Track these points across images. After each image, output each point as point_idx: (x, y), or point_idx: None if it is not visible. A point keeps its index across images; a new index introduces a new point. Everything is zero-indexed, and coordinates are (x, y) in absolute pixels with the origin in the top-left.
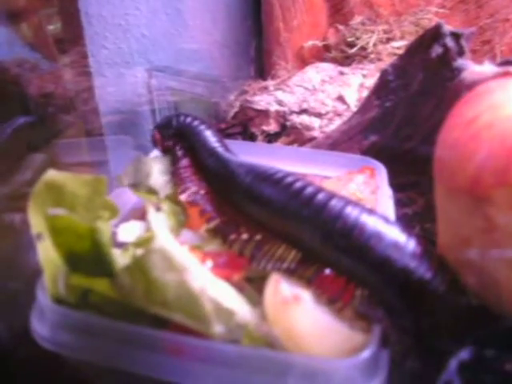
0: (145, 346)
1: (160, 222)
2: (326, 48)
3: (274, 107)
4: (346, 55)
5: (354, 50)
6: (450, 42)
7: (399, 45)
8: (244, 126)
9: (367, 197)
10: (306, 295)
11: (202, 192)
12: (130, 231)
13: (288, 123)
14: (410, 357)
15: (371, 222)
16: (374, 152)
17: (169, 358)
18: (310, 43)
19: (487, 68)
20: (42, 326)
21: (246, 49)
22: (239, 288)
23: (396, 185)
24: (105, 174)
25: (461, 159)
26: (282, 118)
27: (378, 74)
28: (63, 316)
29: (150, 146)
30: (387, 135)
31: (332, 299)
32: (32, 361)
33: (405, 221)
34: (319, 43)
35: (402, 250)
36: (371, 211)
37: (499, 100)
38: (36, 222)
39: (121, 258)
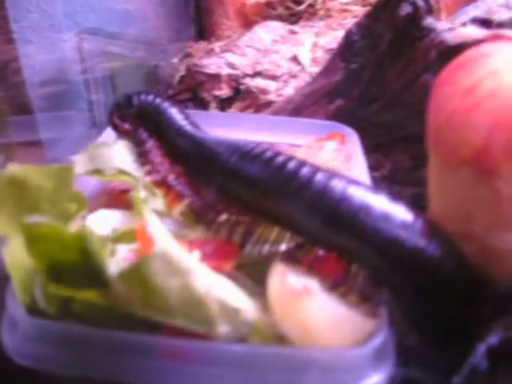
0: (141, 353)
1: (156, 221)
2: (269, 5)
3: (225, 70)
4: (292, 12)
5: (302, 7)
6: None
7: (348, 0)
8: (193, 91)
9: (340, 166)
10: (314, 285)
11: (173, 174)
12: (101, 222)
13: (242, 87)
14: (417, 338)
15: (378, 203)
16: (341, 116)
17: (169, 363)
18: (252, 0)
19: (472, 31)
20: (15, 339)
21: (185, 8)
22: (232, 278)
23: (362, 148)
24: (54, 154)
25: (462, 131)
26: (234, 81)
27: (330, 32)
28: (42, 328)
29: (88, 119)
30: (353, 98)
31: (335, 284)
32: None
33: (374, 185)
34: (262, 0)
35: (392, 219)
36: (357, 182)
37: (498, 66)
38: None
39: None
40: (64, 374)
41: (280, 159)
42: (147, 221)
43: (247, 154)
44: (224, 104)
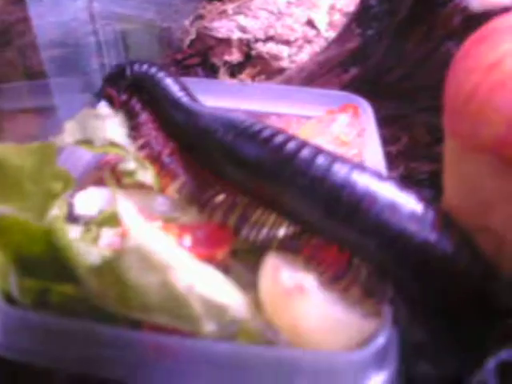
0: (121, 348)
1: (130, 207)
2: None
3: (236, 34)
4: None
5: None
6: None
7: None
8: (203, 55)
9: (353, 140)
10: (309, 281)
11: (167, 150)
12: (88, 201)
13: (253, 52)
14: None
15: (384, 191)
16: (356, 86)
17: (150, 359)
18: None
19: None
20: None
21: None
22: (225, 267)
23: (378, 120)
24: (52, 121)
25: (484, 112)
26: (245, 46)
27: None
28: (19, 319)
29: (98, 84)
30: (370, 67)
31: (336, 277)
32: None
33: (389, 160)
34: None
35: (400, 210)
36: (382, 176)
37: None
38: None
39: (82, 239)
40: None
41: (279, 139)
42: (120, 208)
43: (244, 131)
44: (234, 70)
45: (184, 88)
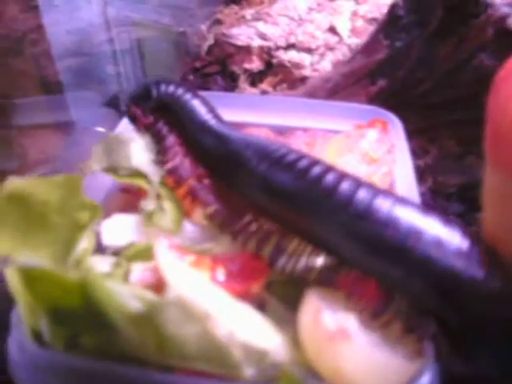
0: None
1: (168, 254)
2: None
3: (256, 42)
4: None
5: None
6: None
7: None
8: (222, 63)
9: (382, 157)
10: (351, 323)
11: (196, 175)
12: (115, 230)
13: (274, 60)
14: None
15: (428, 227)
16: (383, 98)
17: None
18: None
19: None
20: (23, 368)
21: None
22: (260, 301)
23: (405, 133)
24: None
25: None
26: (266, 54)
27: (372, 0)
28: (49, 360)
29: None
30: (398, 79)
31: (376, 313)
32: None
33: (417, 173)
34: None
35: (446, 247)
36: (405, 200)
37: None
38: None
39: (113, 275)
40: None
41: (317, 170)
42: (160, 259)
43: (279, 160)
44: (255, 78)
45: (212, 110)
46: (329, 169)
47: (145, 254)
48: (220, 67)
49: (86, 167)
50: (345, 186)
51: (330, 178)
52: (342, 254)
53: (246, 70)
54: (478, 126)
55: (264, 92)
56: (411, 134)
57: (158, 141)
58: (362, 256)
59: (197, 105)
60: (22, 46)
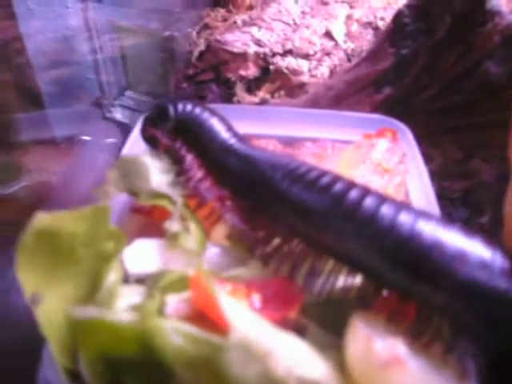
0: None
1: (228, 297)
2: None
3: (252, 48)
4: None
5: None
6: None
7: None
8: (216, 70)
9: (395, 167)
10: (401, 348)
11: (218, 197)
12: (139, 257)
13: (271, 67)
14: None
15: (451, 239)
16: (389, 106)
17: None
18: None
19: None
20: None
21: None
22: (299, 327)
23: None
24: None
25: None
26: (262, 60)
27: (365, 3)
28: None
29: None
30: (404, 87)
31: (417, 335)
32: None
33: None
34: None
35: (490, 268)
36: (447, 223)
37: None
38: (29, 281)
39: (146, 309)
40: None
41: (339, 187)
42: (219, 302)
43: (311, 182)
44: (251, 85)
45: (231, 128)
46: (351, 185)
47: (179, 283)
48: (214, 74)
49: (102, 192)
50: (368, 201)
51: (353, 194)
52: (368, 270)
53: (241, 77)
54: (480, 131)
55: (263, 99)
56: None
57: (177, 162)
58: (387, 271)
59: (215, 123)
60: (7, 56)
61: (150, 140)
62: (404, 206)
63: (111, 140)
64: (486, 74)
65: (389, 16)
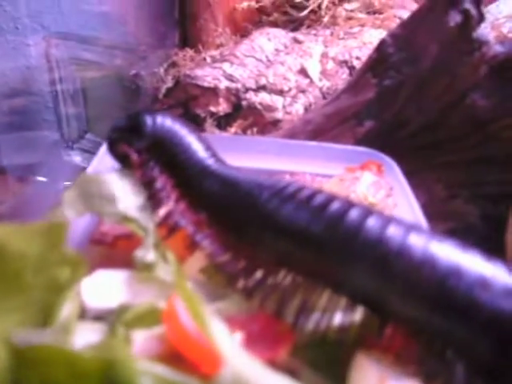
0: None
1: (221, 327)
2: (263, 10)
3: (223, 83)
4: (291, 19)
5: (304, 13)
6: (469, 6)
7: (353, 7)
8: (184, 106)
9: (382, 201)
10: None
11: (194, 223)
12: (100, 290)
13: (244, 102)
14: None
15: (470, 264)
16: (371, 140)
17: None
18: (244, 4)
19: None
20: None
21: (168, 11)
22: (290, 371)
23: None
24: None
25: None
26: (234, 96)
27: (340, 42)
28: None
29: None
30: (386, 119)
31: (430, 376)
32: None
33: None
34: (255, 4)
35: (491, 287)
36: (464, 245)
37: None
38: None
39: (109, 346)
40: None
41: (336, 206)
42: (211, 331)
43: (304, 203)
44: (222, 121)
45: (209, 148)
46: (350, 205)
47: (148, 317)
48: (182, 110)
49: (58, 216)
50: (371, 222)
51: (353, 213)
52: (373, 301)
53: (212, 113)
54: (465, 168)
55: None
56: None
57: (148, 183)
58: (396, 301)
59: (192, 141)
60: None
61: (119, 156)
62: (413, 226)
63: (68, 183)
64: (472, 107)
65: (364, 55)
